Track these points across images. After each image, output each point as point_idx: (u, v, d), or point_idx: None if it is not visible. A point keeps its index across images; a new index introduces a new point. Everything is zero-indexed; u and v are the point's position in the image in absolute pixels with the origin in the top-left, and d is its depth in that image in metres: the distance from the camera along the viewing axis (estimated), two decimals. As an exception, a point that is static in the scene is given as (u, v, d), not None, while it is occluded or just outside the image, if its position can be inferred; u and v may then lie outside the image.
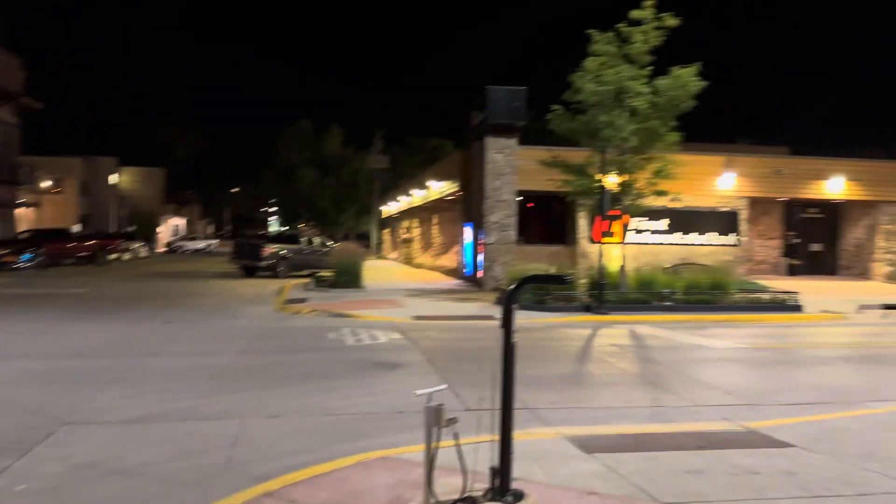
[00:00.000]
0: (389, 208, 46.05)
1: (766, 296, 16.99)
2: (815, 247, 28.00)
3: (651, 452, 5.56)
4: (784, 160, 25.81)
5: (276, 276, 26.13)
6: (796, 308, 16.35)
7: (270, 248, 26.90)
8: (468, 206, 24.29)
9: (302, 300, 17.70)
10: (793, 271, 27.10)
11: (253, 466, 5.29)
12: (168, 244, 63.38)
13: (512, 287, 4.35)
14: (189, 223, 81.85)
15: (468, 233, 24.44)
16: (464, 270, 25.19)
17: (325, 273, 24.14)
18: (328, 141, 59.48)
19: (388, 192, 48.03)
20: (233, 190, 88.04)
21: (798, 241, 27.91)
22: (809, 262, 27.80)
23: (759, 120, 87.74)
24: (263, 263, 26.45)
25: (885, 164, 25.78)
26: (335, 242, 33.67)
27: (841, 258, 27.62)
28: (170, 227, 72.67)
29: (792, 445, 5.80)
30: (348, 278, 21.15)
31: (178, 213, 77.17)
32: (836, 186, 24.68)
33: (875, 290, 22.15)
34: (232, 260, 29.08)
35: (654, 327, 13.97)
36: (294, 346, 11.24)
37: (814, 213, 27.82)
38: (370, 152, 54.23)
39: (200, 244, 62.21)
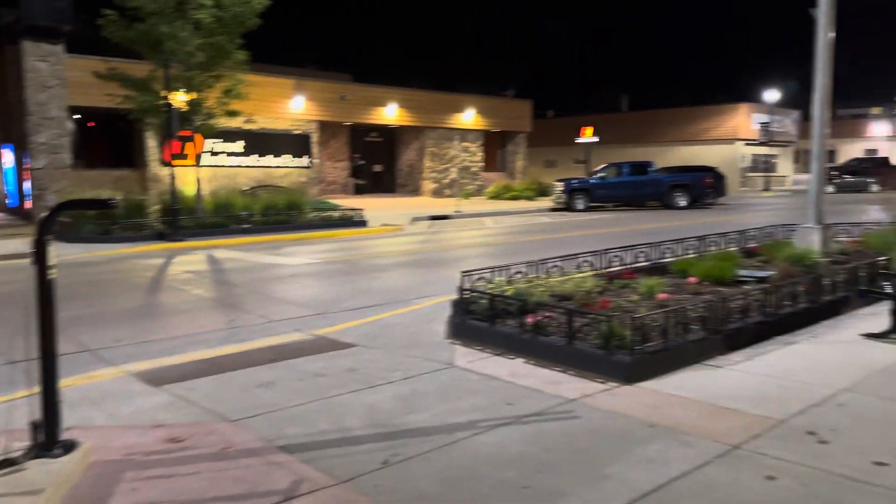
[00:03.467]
0: None
1: (336, 214, 18.35)
2: (377, 168, 31.20)
3: (224, 374, 5.55)
4: (347, 87, 27.74)
5: None
6: (362, 223, 18.06)
7: None
8: (6, 124, 20.33)
9: None
10: (359, 190, 29.80)
11: None
12: None
13: (44, 215, 3.74)
14: None
15: (7, 156, 20.58)
16: (5, 201, 21.26)
17: None
18: None
19: None
20: None
21: (363, 162, 30.70)
22: (373, 181, 30.93)
23: (325, 47, 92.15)
24: None
25: (430, 94, 29.73)
26: None
27: (398, 178, 31.34)
28: None
29: (354, 345, 6.43)
30: None
31: None
32: (391, 112, 27.60)
33: (425, 203, 25.80)
34: None
35: (233, 250, 13.94)
36: None
37: (375, 137, 30.81)
38: None
39: None
